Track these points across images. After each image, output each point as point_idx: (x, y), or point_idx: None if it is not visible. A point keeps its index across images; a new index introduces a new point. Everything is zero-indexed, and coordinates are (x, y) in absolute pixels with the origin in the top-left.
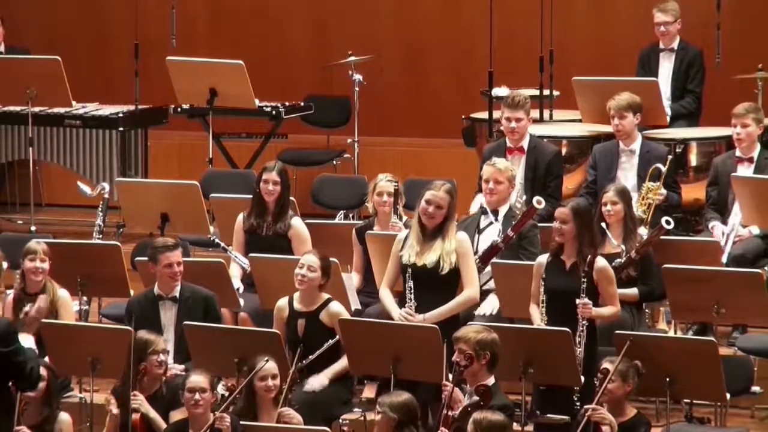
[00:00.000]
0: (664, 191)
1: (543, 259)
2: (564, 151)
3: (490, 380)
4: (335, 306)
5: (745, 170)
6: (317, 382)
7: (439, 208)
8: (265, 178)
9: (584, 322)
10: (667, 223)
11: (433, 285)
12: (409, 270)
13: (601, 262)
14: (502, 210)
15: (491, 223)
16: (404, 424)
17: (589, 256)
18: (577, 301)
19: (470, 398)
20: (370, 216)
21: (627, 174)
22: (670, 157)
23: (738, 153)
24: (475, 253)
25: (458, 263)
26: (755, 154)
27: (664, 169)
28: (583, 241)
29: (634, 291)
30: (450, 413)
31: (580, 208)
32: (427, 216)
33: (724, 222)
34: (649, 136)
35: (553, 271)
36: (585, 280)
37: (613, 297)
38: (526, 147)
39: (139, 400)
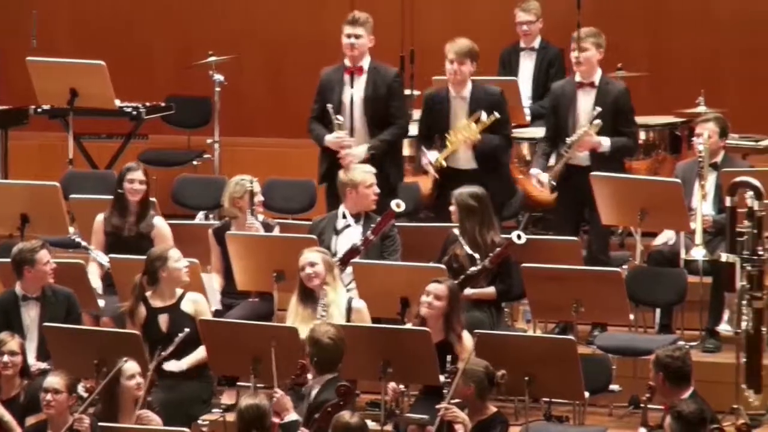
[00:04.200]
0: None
1: None
2: None
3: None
4: (194, 295)
5: (585, 95)
6: (175, 365)
7: None
8: (131, 177)
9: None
10: (518, 237)
11: None
12: None
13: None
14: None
15: (349, 225)
16: (241, 430)
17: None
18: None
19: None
20: (228, 217)
21: (456, 120)
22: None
23: (578, 78)
24: (334, 255)
25: None
26: (596, 79)
27: (485, 117)
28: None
29: (491, 290)
30: (277, 421)
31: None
32: None
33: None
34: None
35: None
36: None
37: None
38: (366, 67)
39: None
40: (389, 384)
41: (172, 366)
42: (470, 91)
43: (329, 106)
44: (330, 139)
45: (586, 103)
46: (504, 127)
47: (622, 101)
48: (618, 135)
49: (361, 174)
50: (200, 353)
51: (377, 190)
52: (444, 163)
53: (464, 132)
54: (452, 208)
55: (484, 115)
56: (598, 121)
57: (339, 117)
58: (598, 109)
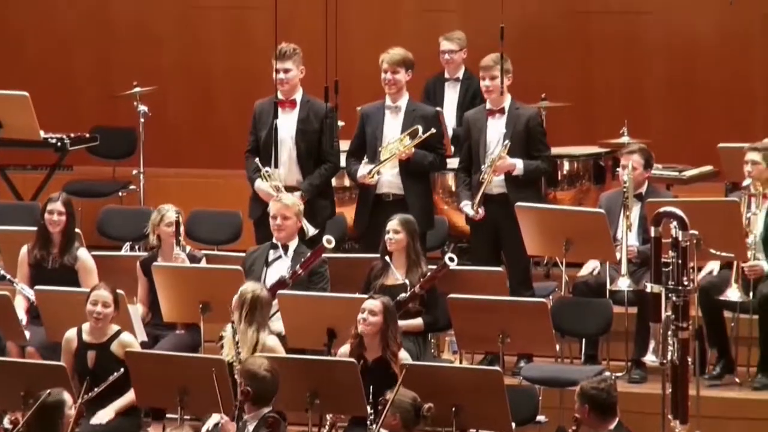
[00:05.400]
0: (413, 150)
1: (345, 350)
2: None
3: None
4: (126, 337)
5: (496, 122)
6: (104, 415)
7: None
8: (50, 208)
9: None
10: (451, 260)
11: None
12: None
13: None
14: (292, 245)
15: (280, 257)
16: None
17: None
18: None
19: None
20: (154, 248)
21: (391, 132)
22: (434, 130)
23: (488, 105)
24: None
25: None
26: (506, 105)
27: (421, 133)
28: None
29: (418, 321)
30: None
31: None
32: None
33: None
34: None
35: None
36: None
37: None
38: (299, 100)
39: None
40: (329, 414)
41: (102, 418)
42: (406, 102)
43: (257, 159)
44: (260, 188)
45: (496, 130)
46: (439, 146)
47: (532, 124)
48: (531, 159)
49: (273, 204)
50: (128, 397)
51: (279, 222)
52: (377, 176)
53: (398, 145)
54: (397, 236)
55: (420, 131)
56: (507, 142)
57: (267, 169)
58: (507, 142)
